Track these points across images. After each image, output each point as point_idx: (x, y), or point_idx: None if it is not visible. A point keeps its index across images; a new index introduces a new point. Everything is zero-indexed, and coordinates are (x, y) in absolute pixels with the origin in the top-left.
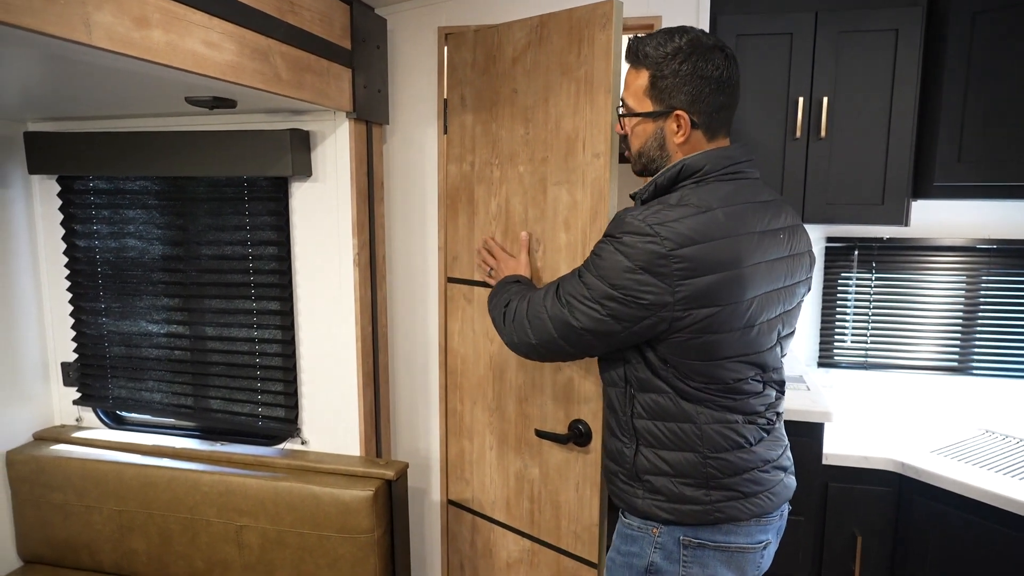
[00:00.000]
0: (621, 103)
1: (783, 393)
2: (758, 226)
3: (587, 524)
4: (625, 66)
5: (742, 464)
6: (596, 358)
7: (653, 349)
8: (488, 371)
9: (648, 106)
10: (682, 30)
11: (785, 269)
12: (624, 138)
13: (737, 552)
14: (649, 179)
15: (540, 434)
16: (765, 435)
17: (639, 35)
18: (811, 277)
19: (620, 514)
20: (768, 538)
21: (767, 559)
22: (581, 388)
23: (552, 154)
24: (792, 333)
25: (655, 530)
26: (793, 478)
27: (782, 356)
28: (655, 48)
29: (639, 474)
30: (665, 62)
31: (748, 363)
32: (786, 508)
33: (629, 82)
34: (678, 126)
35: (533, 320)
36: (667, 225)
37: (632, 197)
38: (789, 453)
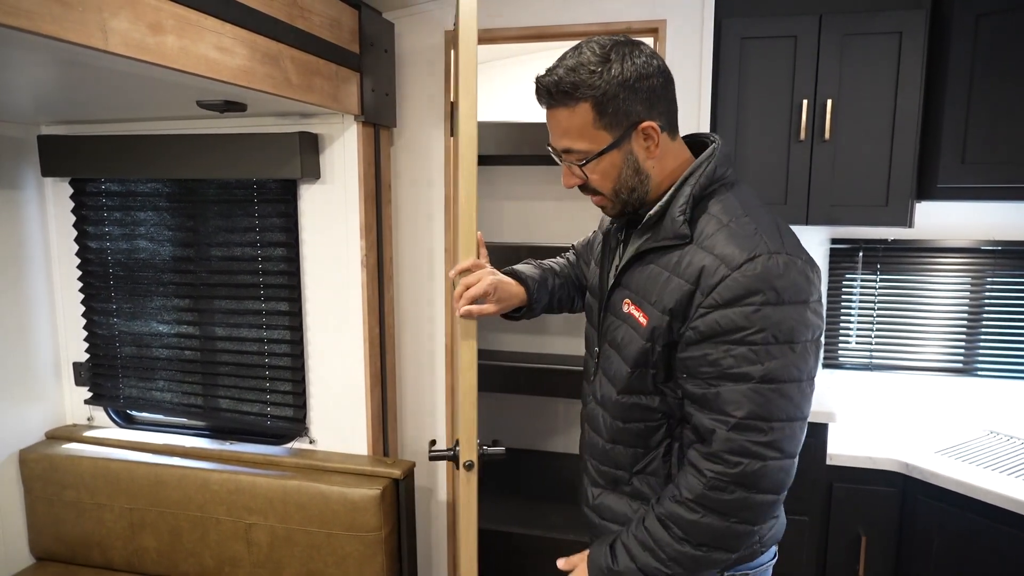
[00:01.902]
0: (567, 153)
1: None
2: None
3: (461, 552)
4: (541, 111)
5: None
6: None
7: None
8: (454, 377)
9: (606, 137)
10: (588, 49)
11: None
12: (584, 186)
13: (762, 571)
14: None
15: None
16: None
17: (543, 75)
18: None
19: None
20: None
21: None
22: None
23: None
24: None
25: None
26: None
27: None
28: (586, 74)
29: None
30: (604, 81)
31: None
32: None
33: (565, 127)
34: (647, 138)
35: (758, 482)
36: (785, 242)
37: (640, 227)
38: None
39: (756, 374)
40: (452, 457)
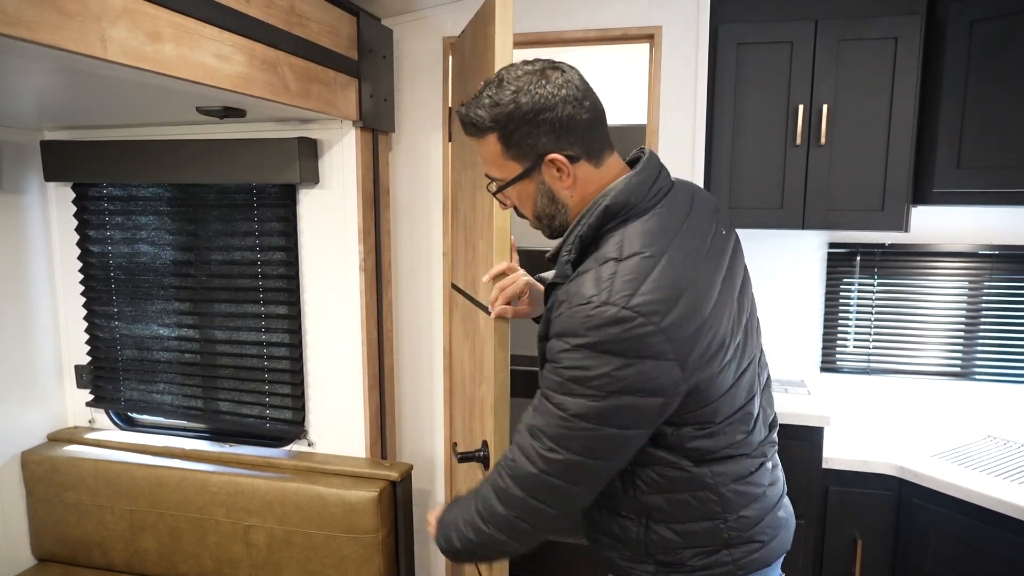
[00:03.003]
0: (488, 179)
1: (770, 394)
2: (707, 236)
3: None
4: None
5: (759, 515)
6: None
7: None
8: (460, 379)
9: (515, 167)
10: (497, 77)
11: (736, 264)
12: (518, 211)
13: None
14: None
15: (454, 451)
16: (773, 463)
17: (460, 107)
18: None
19: None
20: (779, 573)
21: None
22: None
23: (477, 157)
24: (758, 320)
25: None
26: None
27: (760, 352)
28: (487, 109)
29: (652, 552)
30: (506, 116)
31: (750, 374)
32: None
33: (482, 155)
34: (559, 170)
35: (536, 490)
36: (639, 296)
37: (552, 261)
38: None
39: (553, 400)
40: (481, 458)
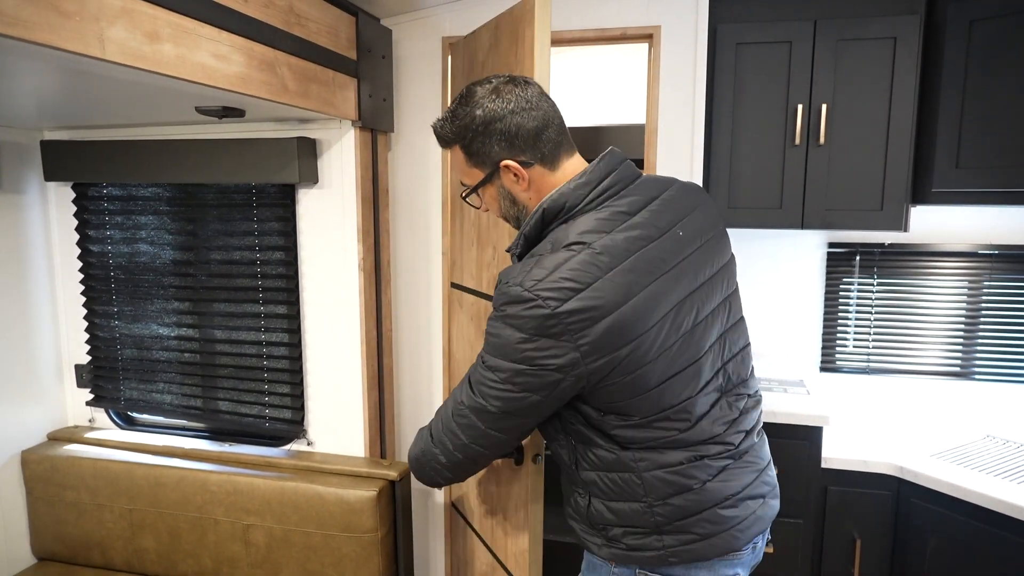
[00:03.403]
0: (462, 185)
1: (754, 399)
2: (650, 237)
3: (521, 548)
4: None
5: (693, 507)
6: None
7: (585, 402)
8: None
9: (478, 174)
10: (460, 94)
11: (699, 262)
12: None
13: None
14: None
15: None
16: (729, 463)
17: (434, 122)
18: (731, 251)
19: None
20: (737, 572)
21: None
22: None
23: None
24: (740, 319)
25: (612, 561)
26: (775, 503)
27: (741, 348)
28: (450, 123)
29: (594, 524)
30: (463, 128)
31: (688, 375)
32: (761, 540)
33: (452, 163)
34: (515, 175)
35: (455, 424)
36: (544, 283)
37: (508, 252)
38: (770, 474)
39: (482, 355)
40: (510, 454)
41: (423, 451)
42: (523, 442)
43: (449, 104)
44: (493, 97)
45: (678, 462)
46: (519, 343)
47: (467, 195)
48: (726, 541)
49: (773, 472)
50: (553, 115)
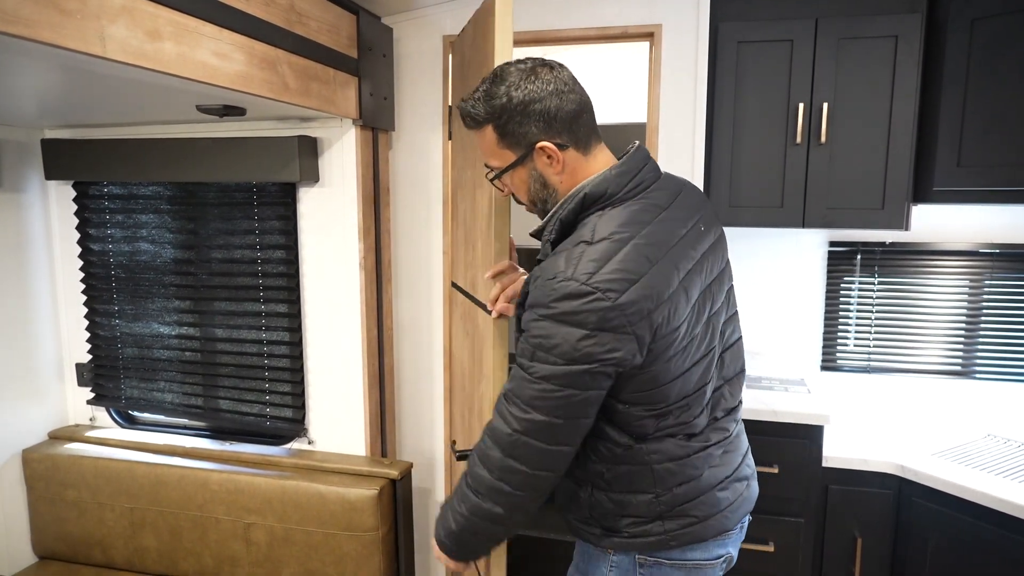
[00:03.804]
0: (487, 168)
1: (739, 384)
2: (680, 231)
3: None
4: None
5: (694, 492)
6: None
7: (612, 394)
8: (460, 378)
9: (509, 155)
10: (492, 74)
11: (713, 256)
12: (515, 198)
13: (694, 567)
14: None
15: (452, 449)
16: (724, 447)
17: (461, 102)
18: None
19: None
20: (728, 551)
21: (725, 570)
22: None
23: (478, 156)
24: (736, 312)
25: (610, 549)
26: (755, 485)
27: (736, 339)
28: (483, 102)
29: (594, 515)
30: (499, 108)
31: (705, 363)
32: (747, 520)
33: (480, 146)
34: (549, 157)
35: (511, 461)
36: (600, 275)
37: (535, 236)
38: (750, 459)
39: (524, 365)
40: None
41: (466, 521)
42: None
43: (449, 99)
44: (531, 78)
45: (686, 454)
46: (580, 340)
47: (494, 177)
48: (720, 522)
49: (751, 457)
50: (588, 100)
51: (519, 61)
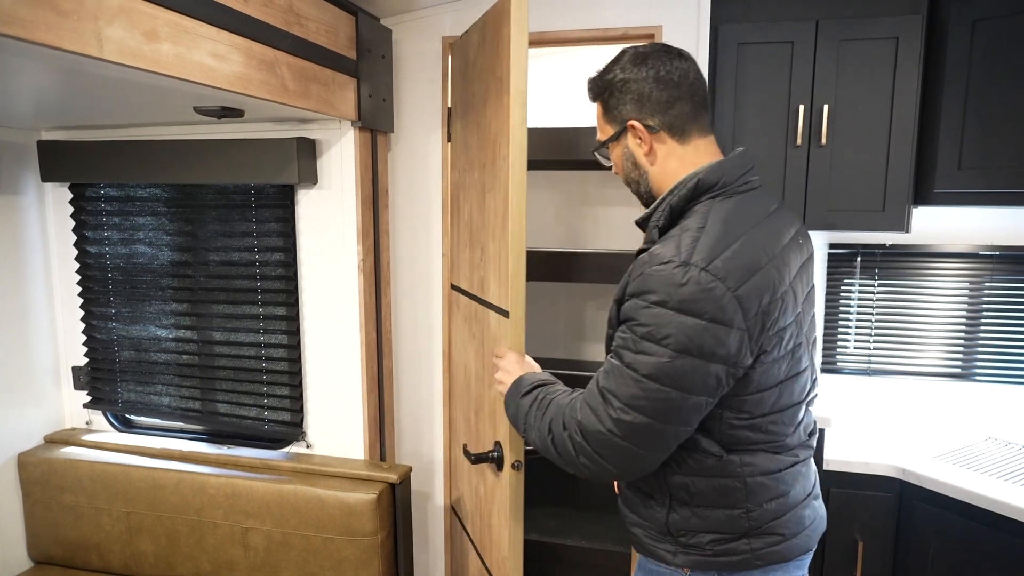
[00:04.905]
0: (597, 143)
1: (813, 405)
2: (784, 238)
3: (502, 555)
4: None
5: (781, 509)
6: None
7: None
8: (464, 380)
9: (609, 131)
10: (623, 50)
11: (805, 275)
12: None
13: None
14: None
15: (464, 452)
16: (806, 467)
17: (591, 75)
18: None
19: None
20: (804, 573)
21: None
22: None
23: (488, 160)
24: (815, 339)
25: (686, 569)
26: (823, 504)
27: (814, 363)
28: (597, 77)
29: (672, 532)
30: (606, 83)
31: (801, 380)
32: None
33: (597, 120)
34: (639, 138)
35: (602, 448)
36: (718, 262)
37: (640, 225)
38: (818, 477)
39: (625, 359)
40: (495, 459)
41: (535, 434)
42: (503, 447)
43: (448, 102)
44: (637, 60)
45: (778, 468)
46: (694, 330)
47: (595, 149)
48: (803, 541)
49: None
50: (693, 91)
51: (642, 46)
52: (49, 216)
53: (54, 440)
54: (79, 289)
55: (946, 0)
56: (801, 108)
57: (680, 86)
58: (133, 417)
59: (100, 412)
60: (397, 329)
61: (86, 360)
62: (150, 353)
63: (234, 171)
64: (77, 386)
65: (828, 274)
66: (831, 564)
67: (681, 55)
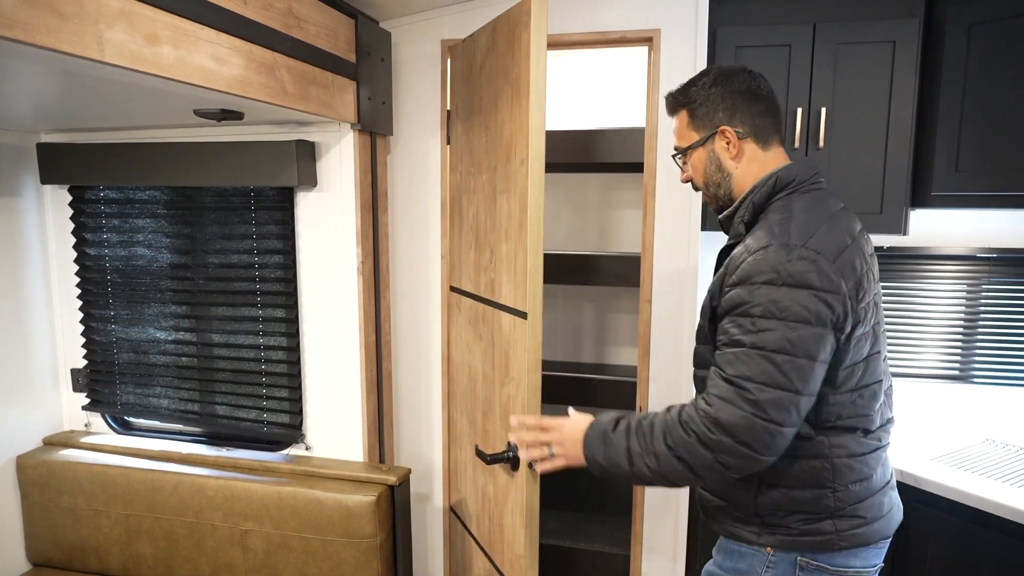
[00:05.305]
0: (675, 149)
1: (891, 396)
2: (855, 228)
3: (518, 554)
4: (672, 122)
5: (865, 492)
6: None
7: None
8: (468, 382)
9: (694, 137)
10: (702, 72)
11: (876, 264)
12: (693, 184)
13: (842, 573)
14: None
15: (478, 453)
16: (886, 451)
17: (668, 92)
18: None
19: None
20: (880, 562)
21: None
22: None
23: (499, 162)
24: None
25: (769, 548)
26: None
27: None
28: (686, 88)
29: (760, 514)
30: (696, 93)
31: (880, 361)
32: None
33: (675, 130)
34: (727, 141)
35: (746, 433)
36: (814, 240)
37: (722, 224)
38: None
39: (747, 342)
40: (510, 459)
41: (650, 472)
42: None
43: (447, 104)
44: (728, 76)
45: (863, 452)
46: (809, 300)
47: (679, 153)
48: (883, 526)
49: None
50: (775, 107)
51: (725, 64)
52: (48, 218)
53: (53, 442)
54: (78, 291)
55: (943, 4)
56: (799, 111)
57: (767, 100)
58: (132, 419)
59: (99, 414)
60: (396, 331)
61: (85, 362)
62: (149, 355)
63: (233, 173)
64: (76, 388)
65: None
66: None
67: (761, 76)
